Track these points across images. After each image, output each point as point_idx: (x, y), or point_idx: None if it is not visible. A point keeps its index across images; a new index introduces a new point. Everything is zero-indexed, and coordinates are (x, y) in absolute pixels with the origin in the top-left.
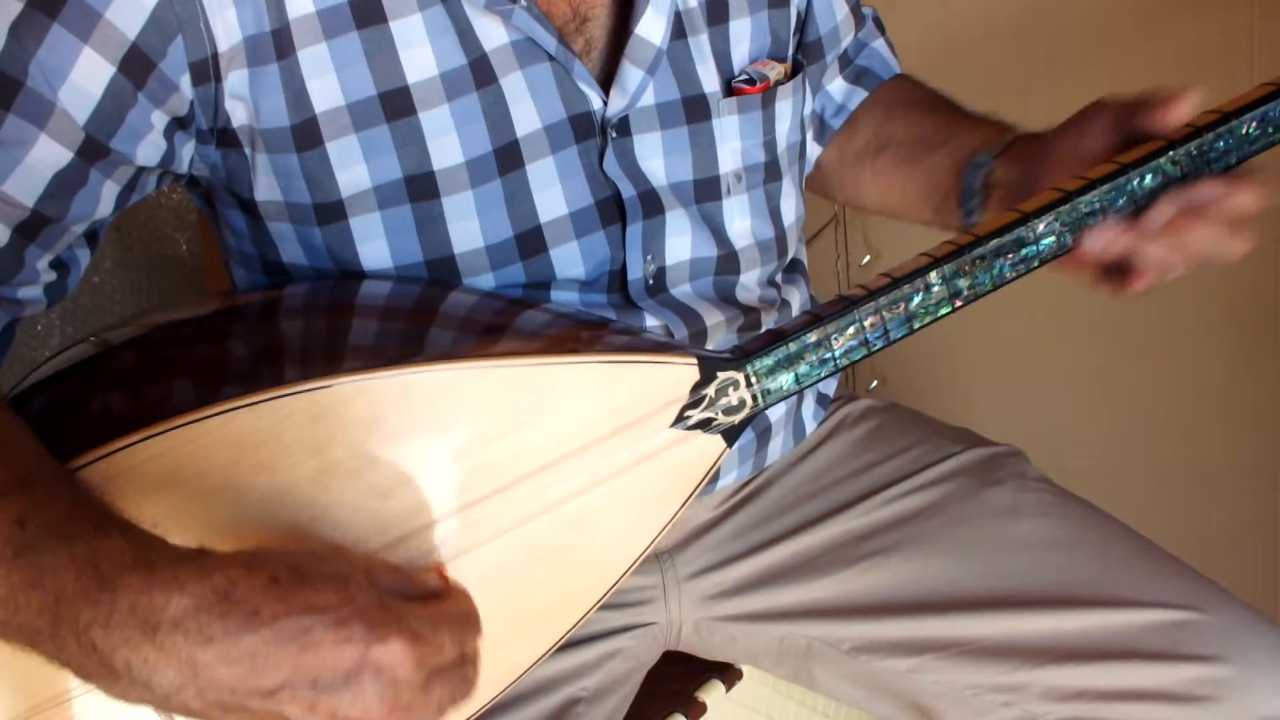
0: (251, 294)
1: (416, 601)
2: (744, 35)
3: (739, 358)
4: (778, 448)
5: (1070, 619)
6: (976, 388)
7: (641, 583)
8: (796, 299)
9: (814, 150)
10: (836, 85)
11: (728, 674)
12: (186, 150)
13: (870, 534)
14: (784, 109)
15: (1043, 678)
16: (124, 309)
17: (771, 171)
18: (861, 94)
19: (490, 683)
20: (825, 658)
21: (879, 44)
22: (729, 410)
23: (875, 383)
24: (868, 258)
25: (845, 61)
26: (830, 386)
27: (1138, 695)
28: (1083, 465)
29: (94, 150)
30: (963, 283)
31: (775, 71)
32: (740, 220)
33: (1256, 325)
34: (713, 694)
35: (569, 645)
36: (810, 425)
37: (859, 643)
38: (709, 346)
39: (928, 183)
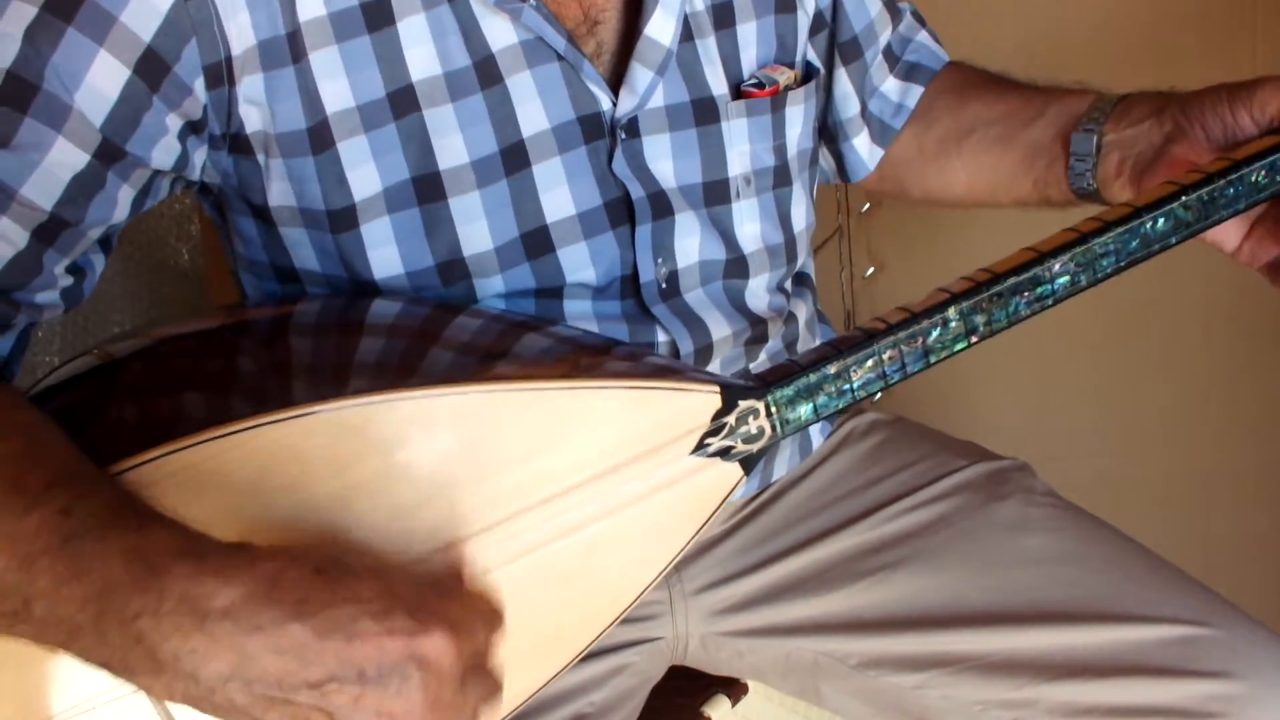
0: (270, 309)
1: (448, 593)
2: (751, 40)
3: (760, 387)
4: (784, 462)
5: (1078, 634)
6: (981, 400)
7: (649, 598)
8: (803, 312)
9: (874, 153)
10: (890, 85)
11: (733, 689)
12: (199, 155)
13: (877, 549)
14: (794, 115)
15: (1050, 693)
16: (125, 318)
17: (781, 176)
18: (917, 90)
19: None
20: (832, 673)
21: (923, 36)
22: (748, 439)
23: (879, 395)
24: (871, 270)
25: (893, 59)
26: None
27: (1146, 711)
28: (1088, 477)
29: (110, 153)
30: (979, 319)
31: (785, 76)
32: (750, 224)
33: (1261, 336)
34: (718, 709)
35: (580, 658)
36: (816, 440)
37: (866, 658)
38: (715, 362)
39: (1027, 156)
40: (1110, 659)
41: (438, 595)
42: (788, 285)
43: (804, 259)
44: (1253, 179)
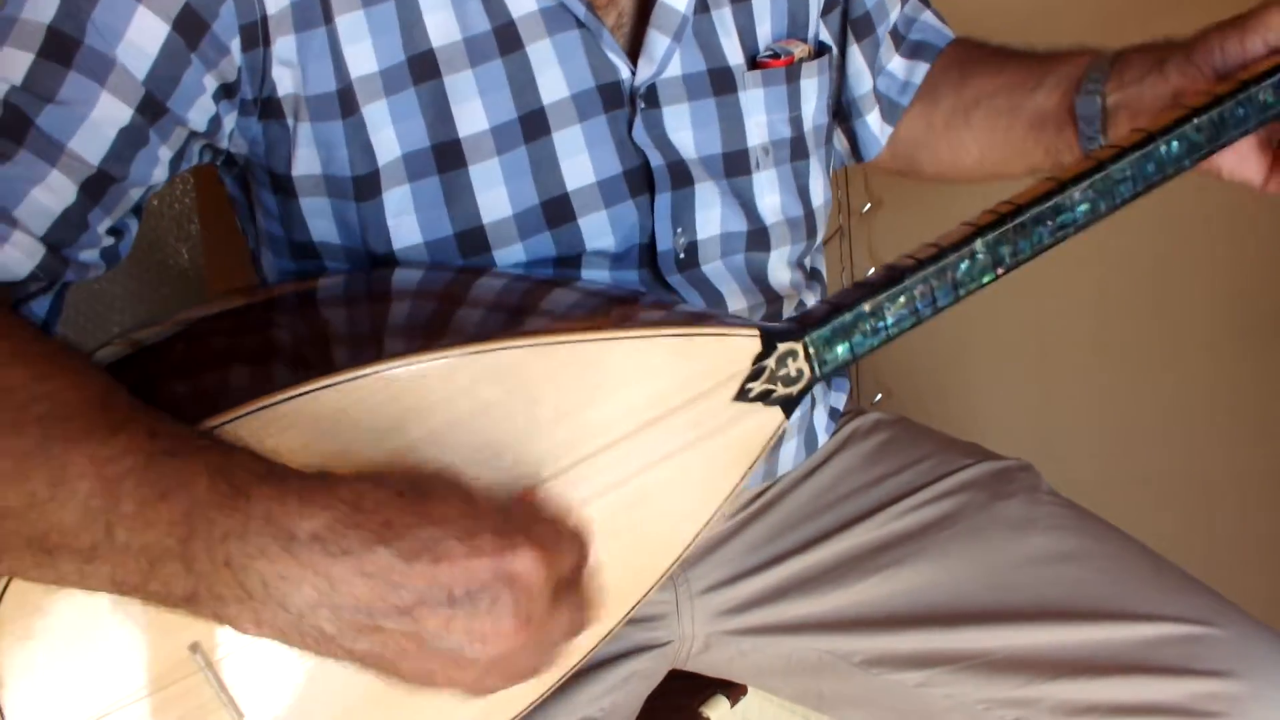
0: (299, 283)
1: (534, 516)
2: (765, 13)
3: (798, 328)
4: (790, 455)
5: (1081, 632)
6: (981, 400)
7: (656, 598)
8: (812, 303)
9: (885, 130)
10: (896, 63)
11: (732, 690)
12: (229, 121)
13: (882, 547)
14: (809, 87)
15: (1054, 691)
16: (125, 318)
17: (798, 149)
18: (923, 67)
19: (556, 667)
20: (835, 672)
21: (927, 15)
22: (788, 381)
23: (879, 396)
24: (872, 270)
25: (899, 39)
26: (841, 400)
27: (1149, 710)
28: (1089, 477)
29: (153, 109)
30: (1005, 250)
31: (800, 50)
32: (770, 196)
33: (1265, 335)
34: (717, 709)
35: (589, 669)
36: (822, 436)
37: (869, 656)
38: None
39: (1035, 123)
40: (1112, 657)
41: (524, 516)
42: (807, 263)
43: (821, 238)
44: (1261, 98)
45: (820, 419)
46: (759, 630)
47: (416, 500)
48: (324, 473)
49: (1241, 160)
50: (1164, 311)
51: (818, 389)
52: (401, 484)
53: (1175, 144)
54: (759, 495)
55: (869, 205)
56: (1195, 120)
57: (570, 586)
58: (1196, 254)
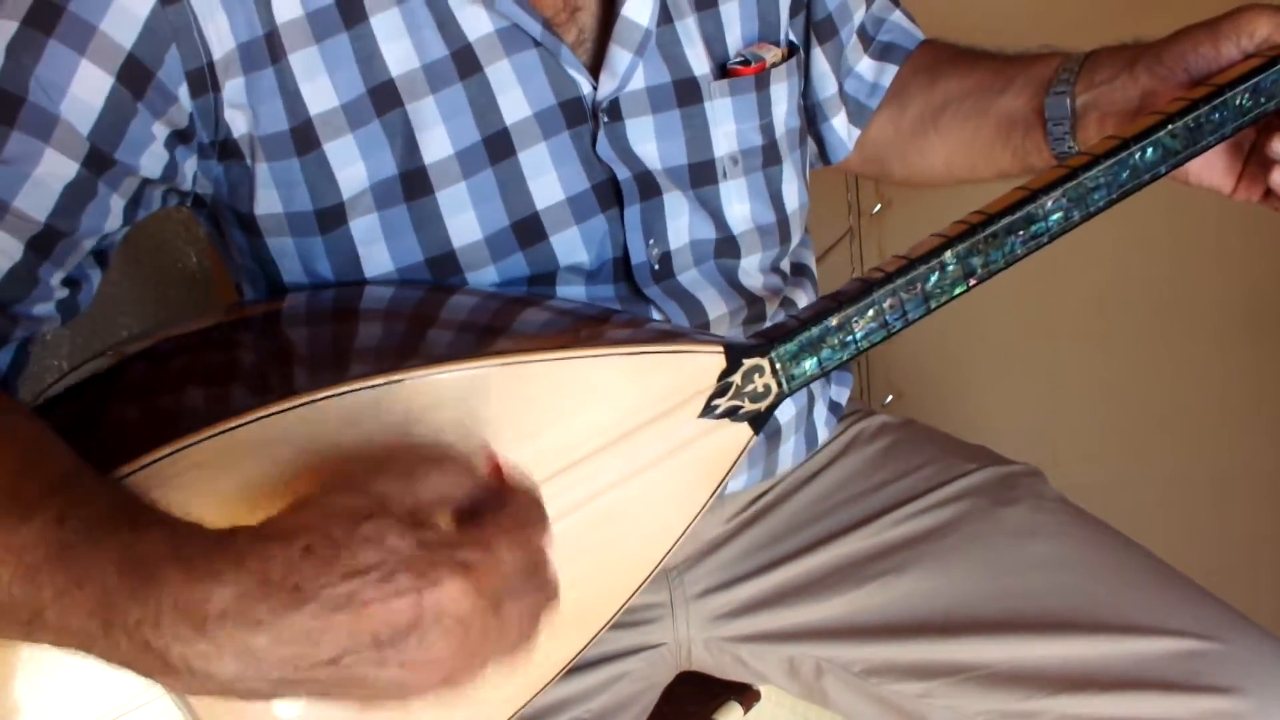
0: (274, 302)
1: (466, 516)
2: (734, 18)
3: (764, 344)
4: (789, 453)
5: (1085, 645)
6: (992, 403)
7: (649, 600)
8: (802, 301)
9: (852, 133)
10: (865, 65)
11: (745, 695)
12: (189, 165)
13: (882, 553)
14: (779, 92)
15: (1055, 706)
16: (132, 320)
17: (770, 155)
18: (891, 69)
19: (531, 682)
20: (836, 679)
21: (897, 16)
22: (755, 397)
23: (890, 398)
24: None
25: (867, 40)
26: (843, 395)
27: None
28: (1100, 480)
29: (99, 161)
30: (976, 261)
31: (772, 54)
32: (739, 204)
33: (1275, 336)
34: (730, 716)
35: (576, 668)
36: (822, 432)
37: (869, 665)
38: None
39: (1003, 125)
40: (1116, 671)
41: (445, 533)
42: (784, 266)
43: (798, 240)
44: (1237, 102)
45: (820, 414)
46: (756, 637)
47: (326, 555)
48: (232, 531)
49: (1209, 166)
50: (1175, 310)
51: (816, 384)
52: (312, 536)
53: (1150, 150)
54: (757, 499)
55: (879, 206)
56: (1170, 126)
57: (517, 589)
58: (1206, 251)
